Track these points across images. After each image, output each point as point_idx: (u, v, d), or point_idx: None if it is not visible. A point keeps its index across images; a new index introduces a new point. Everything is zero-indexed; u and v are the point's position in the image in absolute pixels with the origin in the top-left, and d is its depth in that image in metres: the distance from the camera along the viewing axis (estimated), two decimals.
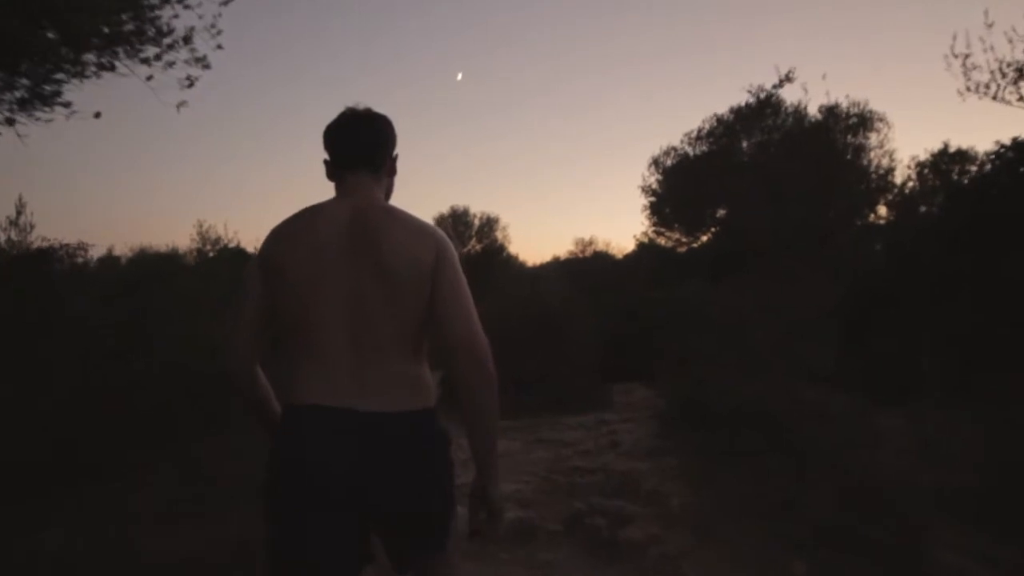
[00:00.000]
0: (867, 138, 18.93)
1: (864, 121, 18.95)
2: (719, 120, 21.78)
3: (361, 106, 2.11)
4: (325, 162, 2.13)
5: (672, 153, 26.30)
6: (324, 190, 2.38)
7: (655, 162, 27.57)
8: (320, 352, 1.88)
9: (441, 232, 2.00)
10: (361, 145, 2.08)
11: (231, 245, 19.11)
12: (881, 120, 19.09)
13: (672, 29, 56.98)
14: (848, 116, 18.86)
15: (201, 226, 20.40)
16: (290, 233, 1.95)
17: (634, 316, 13.66)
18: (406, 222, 1.97)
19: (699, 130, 23.17)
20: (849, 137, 18.71)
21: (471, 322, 1.91)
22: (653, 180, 28.16)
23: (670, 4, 56.61)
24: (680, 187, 24.73)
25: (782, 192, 17.46)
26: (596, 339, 12.95)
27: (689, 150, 24.31)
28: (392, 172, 2.19)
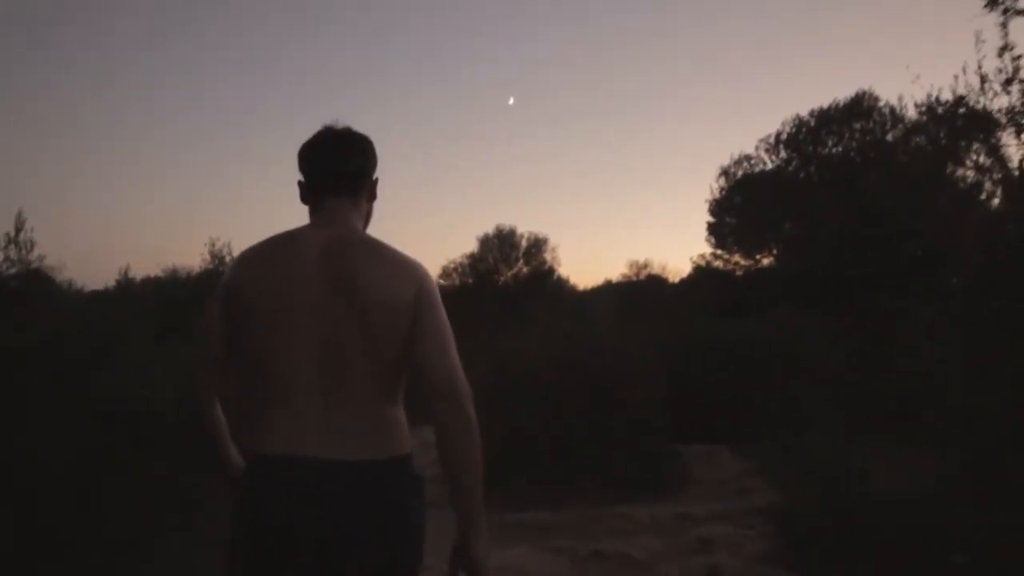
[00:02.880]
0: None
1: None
2: (800, 124, 19.25)
3: (340, 124, 2.00)
4: (300, 184, 1.99)
5: (745, 162, 23.82)
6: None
7: (724, 172, 25.13)
8: (286, 395, 1.77)
9: (422, 267, 1.87)
10: (339, 168, 1.95)
11: None
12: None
13: (729, 48, 54.67)
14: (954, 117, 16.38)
15: (213, 244, 17.83)
16: (257, 263, 1.84)
17: (707, 354, 10.71)
18: (384, 256, 1.85)
19: (777, 135, 20.56)
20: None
21: (452, 365, 1.77)
22: (717, 188, 25.70)
23: (726, 22, 54.25)
24: (750, 199, 22.19)
25: (873, 207, 15.03)
26: (661, 385, 9.23)
27: (766, 158, 21.74)
28: (372, 197, 2.05)
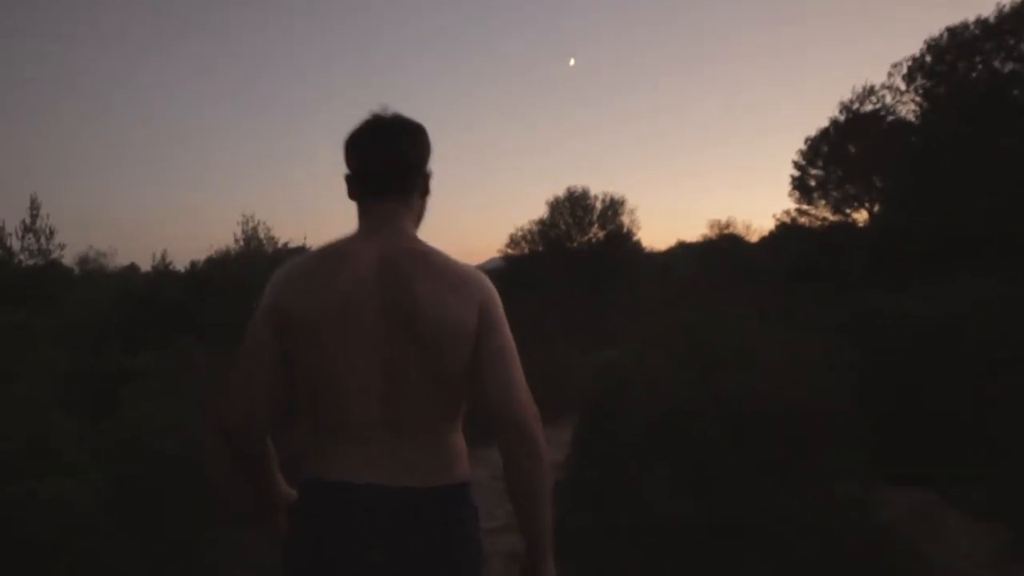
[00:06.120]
0: None
1: None
2: (934, 44, 16.33)
3: (388, 111, 1.81)
4: (346, 178, 1.83)
5: (868, 96, 21.02)
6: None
7: (845, 108, 22.43)
8: (345, 421, 1.70)
9: (486, 280, 1.77)
10: (390, 164, 1.79)
11: (291, 244, 16.55)
12: None
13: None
14: None
15: (247, 222, 16.83)
16: (308, 282, 1.71)
17: (882, 345, 7.07)
18: (445, 271, 1.71)
19: (914, 59, 17.49)
20: None
21: (517, 388, 1.68)
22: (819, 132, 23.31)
23: None
24: (859, 144, 19.82)
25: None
26: (846, 406, 5.72)
27: (901, 84, 18.79)
28: (425, 192, 1.88)
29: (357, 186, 1.82)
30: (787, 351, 6.05)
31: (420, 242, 1.81)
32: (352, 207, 1.84)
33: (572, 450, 6.31)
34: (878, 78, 21.98)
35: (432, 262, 1.73)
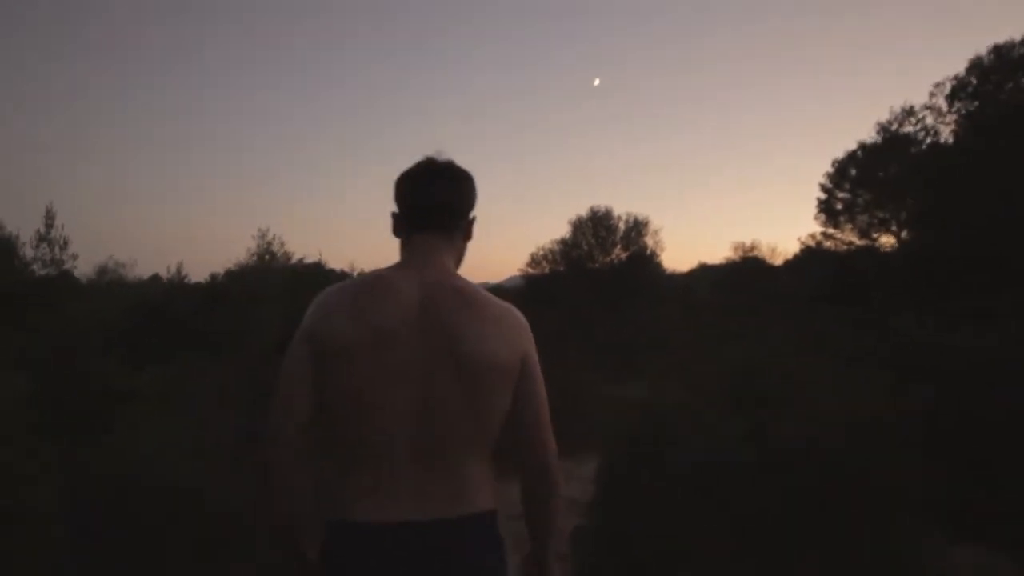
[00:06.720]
0: None
1: None
2: (978, 63, 15.71)
3: (443, 156, 1.91)
4: (393, 215, 1.92)
5: (907, 118, 20.34)
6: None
7: (882, 129, 21.80)
8: (378, 454, 1.70)
9: (523, 320, 1.81)
10: (438, 204, 1.87)
11: (307, 260, 16.26)
12: None
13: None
14: None
15: (264, 236, 16.60)
16: (348, 310, 1.71)
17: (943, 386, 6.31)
18: (485, 311, 1.75)
19: (957, 78, 16.86)
20: None
21: (546, 435, 1.79)
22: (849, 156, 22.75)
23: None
24: (892, 166, 19.18)
25: None
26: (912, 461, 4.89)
27: (943, 104, 18.13)
28: (468, 237, 1.96)
29: (404, 223, 1.88)
30: (844, 392, 5.47)
31: (460, 278, 1.84)
32: (389, 239, 1.91)
33: (597, 494, 5.82)
34: (909, 101, 21.36)
35: (474, 300, 1.76)
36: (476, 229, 1.95)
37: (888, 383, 5.53)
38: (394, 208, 1.91)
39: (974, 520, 5.06)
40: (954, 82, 17.22)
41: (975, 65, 16.29)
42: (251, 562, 3.45)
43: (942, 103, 18.24)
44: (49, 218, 10.12)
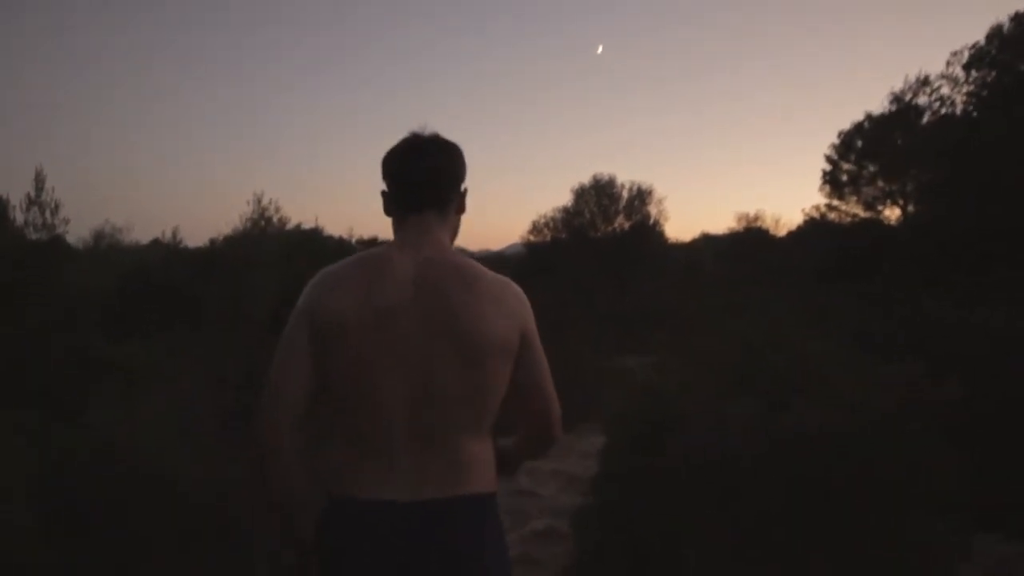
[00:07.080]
0: None
1: None
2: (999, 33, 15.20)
3: (427, 130, 1.89)
4: (383, 194, 1.90)
5: (923, 87, 19.85)
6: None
7: (896, 99, 21.36)
8: (375, 432, 1.70)
9: (520, 294, 1.82)
10: (428, 180, 1.85)
11: (304, 226, 16.02)
12: None
13: None
14: None
15: (260, 200, 15.86)
16: (349, 286, 1.72)
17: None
18: (483, 286, 1.75)
19: (976, 47, 16.28)
20: None
21: (553, 405, 1.84)
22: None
23: None
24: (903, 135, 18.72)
25: None
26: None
27: (960, 75, 17.69)
28: (460, 210, 1.96)
29: (394, 201, 1.88)
30: (865, 375, 5.19)
31: (457, 254, 1.85)
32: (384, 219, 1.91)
33: (601, 472, 5.64)
34: (923, 71, 20.80)
35: (471, 275, 1.76)
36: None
37: (905, 362, 5.27)
38: (383, 188, 1.90)
39: (997, 510, 4.89)
40: (972, 51, 16.84)
41: (994, 33, 15.90)
42: (236, 553, 3.26)
43: (959, 72, 17.85)
44: (39, 181, 9.83)
